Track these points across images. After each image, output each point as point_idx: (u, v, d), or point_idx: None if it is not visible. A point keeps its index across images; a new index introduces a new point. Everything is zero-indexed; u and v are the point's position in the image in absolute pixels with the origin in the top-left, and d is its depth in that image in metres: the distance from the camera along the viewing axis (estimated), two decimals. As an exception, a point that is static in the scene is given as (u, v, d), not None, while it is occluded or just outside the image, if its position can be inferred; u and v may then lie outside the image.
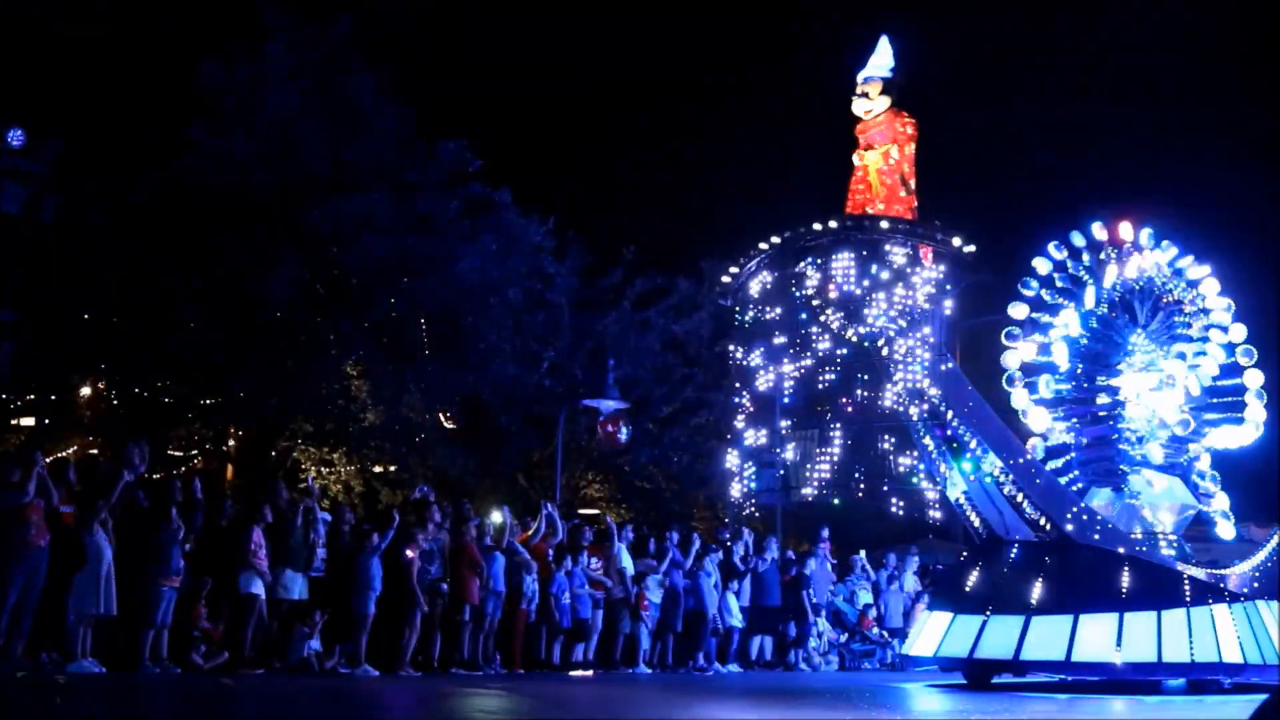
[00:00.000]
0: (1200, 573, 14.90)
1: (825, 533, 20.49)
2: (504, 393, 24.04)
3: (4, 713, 8.99)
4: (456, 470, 23.72)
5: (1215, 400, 16.24)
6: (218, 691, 11.24)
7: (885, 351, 15.55)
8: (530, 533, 16.22)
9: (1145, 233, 16.37)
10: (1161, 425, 15.83)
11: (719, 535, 20.69)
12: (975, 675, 14.81)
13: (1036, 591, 14.50)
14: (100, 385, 24.53)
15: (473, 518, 16.02)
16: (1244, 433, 16.14)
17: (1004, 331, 16.48)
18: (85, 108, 21.02)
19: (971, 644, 14.47)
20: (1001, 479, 15.32)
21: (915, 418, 16.66)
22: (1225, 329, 16.21)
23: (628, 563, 17.14)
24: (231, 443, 24.38)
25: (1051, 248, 16.37)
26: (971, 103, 41.53)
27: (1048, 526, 14.94)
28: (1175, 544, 15.63)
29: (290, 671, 13.40)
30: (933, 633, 15.25)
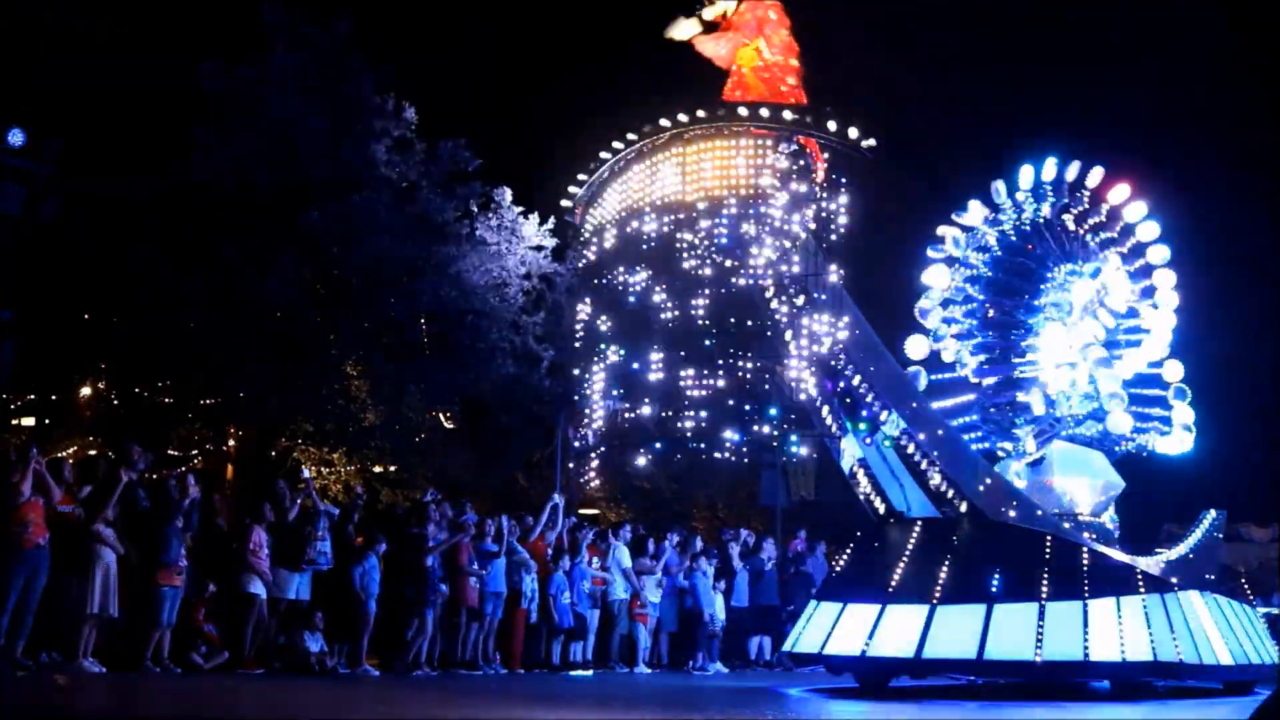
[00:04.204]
0: (1139, 561, 13.32)
1: (802, 534, 19.96)
2: (504, 393, 24.01)
3: (4, 713, 8.99)
4: (456, 470, 23.72)
5: (1144, 411, 15.58)
6: (218, 691, 11.24)
7: (771, 294, 13.01)
8: (533, 527, 16.26)
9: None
10: (1088, 397, 14.67)
11: (721, 535, 20.69)
12: (869, 677, 12.85)
13: (942, 578, 12.48)
14: (100, 385, 24.52)
15: (472, 517, 16.06)
16: (1171, 444, 15.61)
17: (929, 245, 15.38)
18: (85, 108, 20.97)
19: (865, 640, 12.41)
20: (904, 441, 13.22)
21: (799, 373, 13.98)
22: (1149, 233, 15.62)
23: (627, 562, 17.17)
24: (231, 443, 24.37)
25: (946, 228, 15.61)
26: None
27: (956, 500, 13.03)
28: (1097, 526, 14.20)
29: (290, 671, 13.41)
30: (819, 626, 13.09)
